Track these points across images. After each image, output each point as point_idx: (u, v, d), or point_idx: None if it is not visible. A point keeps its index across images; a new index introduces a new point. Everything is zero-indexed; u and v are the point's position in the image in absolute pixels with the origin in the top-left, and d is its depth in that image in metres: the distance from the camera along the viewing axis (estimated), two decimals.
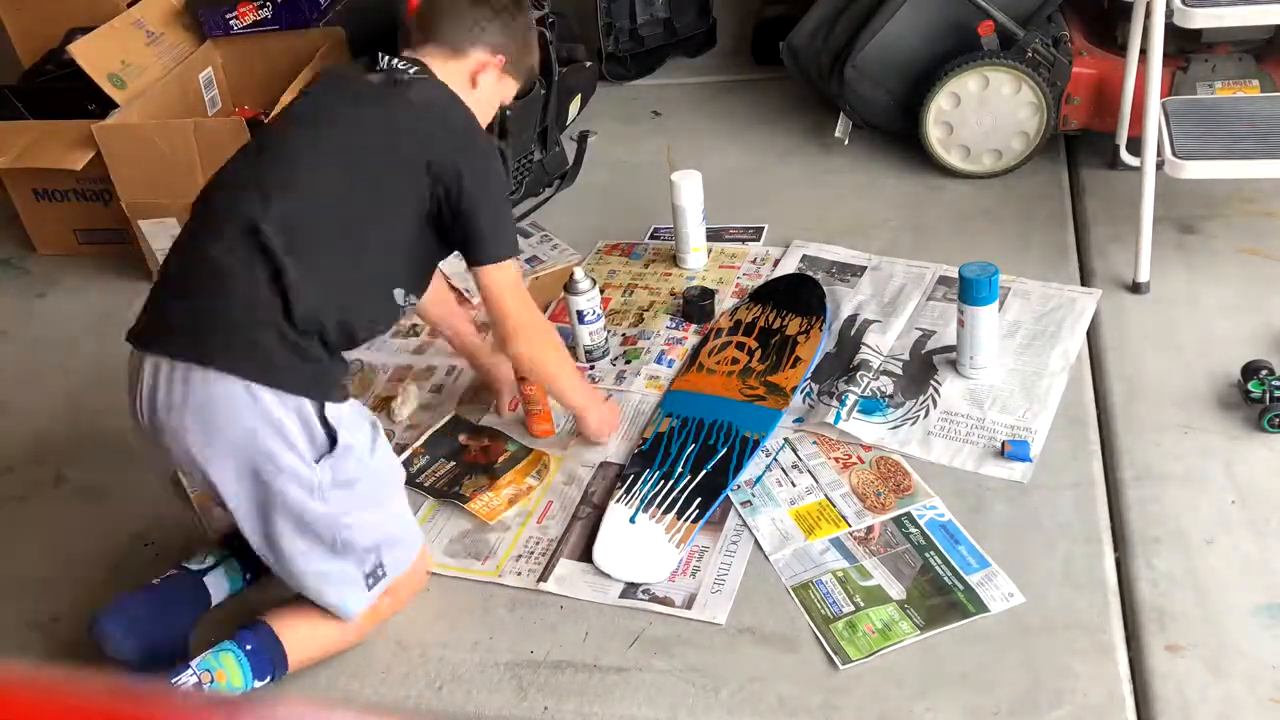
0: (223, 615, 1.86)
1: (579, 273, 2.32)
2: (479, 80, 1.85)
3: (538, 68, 1.95)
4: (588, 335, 2.38)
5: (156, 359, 1.62)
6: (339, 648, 1.81)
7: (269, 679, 1.73)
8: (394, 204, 1.73)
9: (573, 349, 2.37)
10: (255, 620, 1.76)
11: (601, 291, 2.40)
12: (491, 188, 1.80)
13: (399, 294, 1.80)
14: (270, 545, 1.69)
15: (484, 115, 1.89)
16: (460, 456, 2.20)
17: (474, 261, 1.82)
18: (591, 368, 2.40)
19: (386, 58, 1.79)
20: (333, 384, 1.69)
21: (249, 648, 1.71)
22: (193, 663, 1.68)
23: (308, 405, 1.63)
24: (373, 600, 1.77)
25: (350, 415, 1.70)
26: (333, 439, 1.66)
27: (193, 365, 1.59)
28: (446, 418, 2.31)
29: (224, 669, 1.69)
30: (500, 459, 2.18)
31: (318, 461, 1.65)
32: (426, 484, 2.14)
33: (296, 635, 1.75)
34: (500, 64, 1.86)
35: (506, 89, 1.91)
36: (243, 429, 1.60)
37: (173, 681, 1.67)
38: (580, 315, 2.35)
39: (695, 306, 2.49)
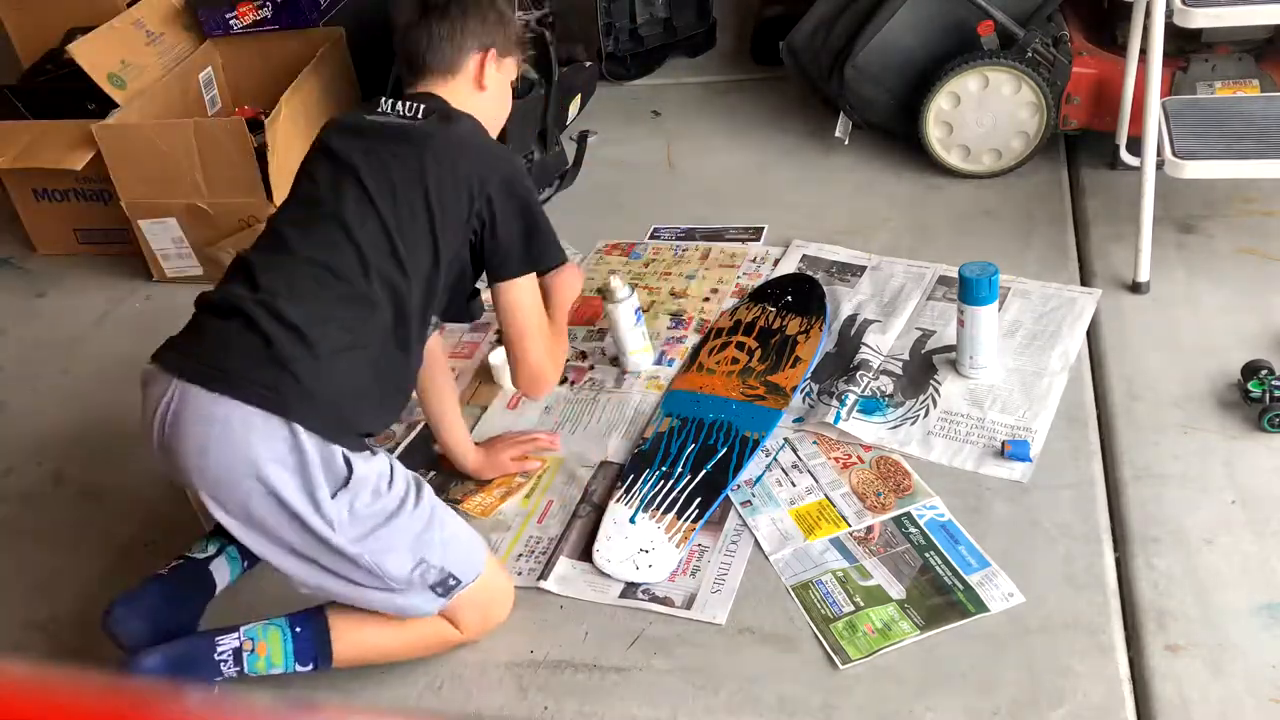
0: (224, 603, 1.84)
1: (615, 280, 2.29)
2: (484, 83, 1.87)
3: (519, 26, 1.92)
4: (638, 339, 2.36)
5: (184, 384, 1.59)
6: (392, 658, 1.79)
7: (311, 667, 1.72)
8: (440, 231, 1.73)
9: (616, 361, 2.39)
10: (317, 608, 1.74)
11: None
12: (519, 204, 1.81)
13: (434, 319, 1.84)
14: (311, 575, 1.66)
15: (502, 107, 1.93)
16: (440, 465, 2.19)
17: (497, 277, 1.84)
18: (592, 368, 2.40)
19: (390, 101, 1.81)
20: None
21: (298, 630, 1.71)
22: (241, 628, 1.69)
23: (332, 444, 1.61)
24: (447, 604, 1.73)
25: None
26: (350, 469, 1.62)
27: (218, 394, 1.56)
28: (418, 428, 2.27)
29: (267, 643, 1.69)
30: None
31: (334, 496, 1.60)
32: None
33: (350, 637, 1.73)
34: (493, 55, 1.86)
35: (509, 69, 1.92)
36: (251, 460, 1.56)
37: (218, 643, 1.68)
38: (623, 323, 2.32)
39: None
